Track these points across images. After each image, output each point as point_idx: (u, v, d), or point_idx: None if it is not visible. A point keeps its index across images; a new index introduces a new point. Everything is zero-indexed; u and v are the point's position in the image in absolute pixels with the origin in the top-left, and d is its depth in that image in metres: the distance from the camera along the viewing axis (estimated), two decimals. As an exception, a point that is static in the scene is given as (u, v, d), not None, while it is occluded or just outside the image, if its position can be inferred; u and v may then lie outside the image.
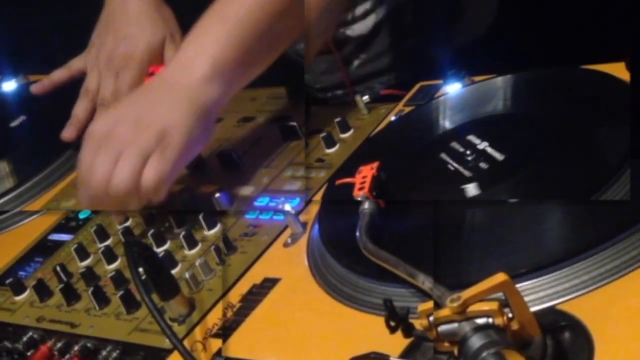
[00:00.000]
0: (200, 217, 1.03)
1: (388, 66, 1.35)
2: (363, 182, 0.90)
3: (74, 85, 1.21)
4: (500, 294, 0.63)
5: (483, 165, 0.89)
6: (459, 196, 0.86)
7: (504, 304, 0.63)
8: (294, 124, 1.13)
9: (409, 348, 0.69)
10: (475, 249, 0.79)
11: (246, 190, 1.06)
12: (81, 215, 1.18)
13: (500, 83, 1.03)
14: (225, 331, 0.84)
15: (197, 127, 0.95)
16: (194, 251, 1.01)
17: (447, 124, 1.03)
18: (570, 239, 0.76)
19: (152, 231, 1.05)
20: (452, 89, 1.09)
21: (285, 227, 0.97)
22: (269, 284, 0.89)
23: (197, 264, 0.96)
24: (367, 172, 0.91)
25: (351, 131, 1.13)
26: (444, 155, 0.93)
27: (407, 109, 1.12)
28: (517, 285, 0.65)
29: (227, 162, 1.11)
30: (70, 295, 1.02)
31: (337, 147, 1.10)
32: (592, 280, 0.71)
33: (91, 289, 0.99)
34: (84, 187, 0.97)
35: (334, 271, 0.86)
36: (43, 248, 1.15)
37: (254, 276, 0.92)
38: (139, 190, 0.95)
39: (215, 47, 0.98)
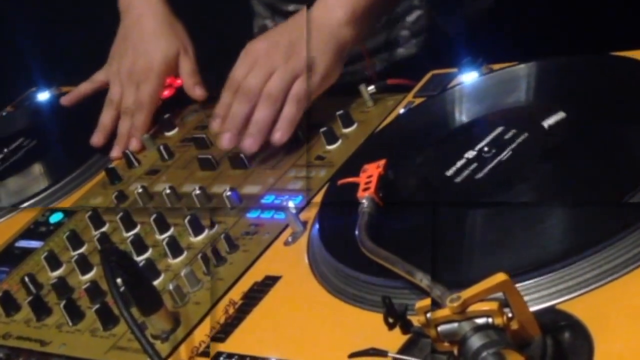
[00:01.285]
0: (186, 221, 1.02)
1: (385, 43, 1.37)
2: (368, 182, 0.89)
3: (97, 98, 1.42)
4: (500, 294, 0.65)
5: (503, 162, 0.87)
6: (470, 195, 0.86)
7: (503, 303, 0.66)
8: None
9: (407, 344, 0.73)
10: (475, 249, 0.81)
11: (253, 189, 1.09)
12: (52, 220, 1.18)
13: (522, 71, 1.02)
14: (227, 327, 0.87)
15: (336, 62, 1.16)
16: (178, 260, 1.00)
17: (462, 117, 1.01)
18: (570, 238, 0.77)
19: (131, 237, 1.04)
20: (468, 78, 1.07)
21: (286, 226, 0.99)
22: (270, 281, 0.92)
23: (182, 274, 0.95)
24: (372, 171, 0.90)
25: (355, 125, 1.11)
26: (458, 152, 0.91)
27: (418, 101, 1.11)
28: (517, 285, 0.68)
29: (236, 163, 1.15)
30: (40, 309, 1.01)
31: (338, 143, 1.09)
32: (592, 279, 0.72)
33: (63, 302, 0.98)
34: (231, 94, 1.15)
35: (333, 269, 0.87)
36: (9, 256, 1.14)
37: (256, 274, 0.95)
38: (287, 97, 1.12)
39: None
